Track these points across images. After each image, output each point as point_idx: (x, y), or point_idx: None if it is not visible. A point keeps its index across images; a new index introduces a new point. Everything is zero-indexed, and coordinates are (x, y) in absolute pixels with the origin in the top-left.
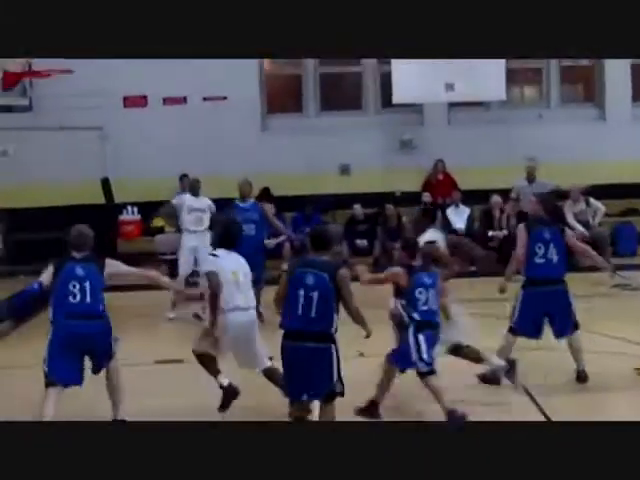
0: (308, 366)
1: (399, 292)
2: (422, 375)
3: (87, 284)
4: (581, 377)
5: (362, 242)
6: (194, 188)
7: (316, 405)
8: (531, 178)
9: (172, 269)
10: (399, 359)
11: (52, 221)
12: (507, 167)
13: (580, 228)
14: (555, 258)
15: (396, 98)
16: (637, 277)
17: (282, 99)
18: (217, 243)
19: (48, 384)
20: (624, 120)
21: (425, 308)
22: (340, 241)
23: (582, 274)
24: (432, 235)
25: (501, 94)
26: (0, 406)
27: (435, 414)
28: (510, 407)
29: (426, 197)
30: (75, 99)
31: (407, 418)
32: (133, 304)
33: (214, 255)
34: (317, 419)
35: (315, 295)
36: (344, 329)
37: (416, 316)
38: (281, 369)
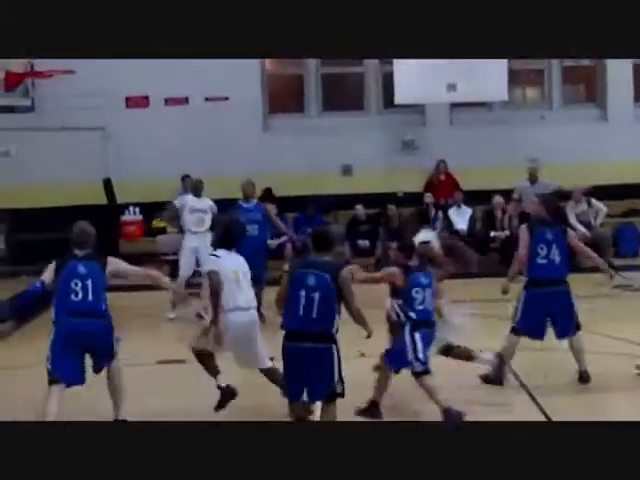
0: (309, 366)
1: (395, 292)
2: (417, 375)
3: (89, 282)
4: (583, 378)
5: (364, 243)
6: (196, 189)
7: (317, 405)
8: (533, 179)
9: (174, 269)
10: (393, 359)
11: (54, 221)
12: (509, 168)
13: (582, 229)
14: (557, 259)
15: (398, 98)
16: (639, 278)
17: (284, 99)
18: (218, 243)
19: (51, 382)
20: (626, 121)
21: (421, 307)
22: (342, 242)
23: (584, 275)
24: (426, 235)
25: (503, 95)
26: (3, 406)
27: (434, 414)
28: (511, 407)
29: (428, 198)
30: (77, 99)
31: (405, 418)
32: (135, 304)
33: (215, 255)
34: (318, 419)
35: (316, 296)
36: (345, 329)
37: (412, 315)
38: (282, 369)
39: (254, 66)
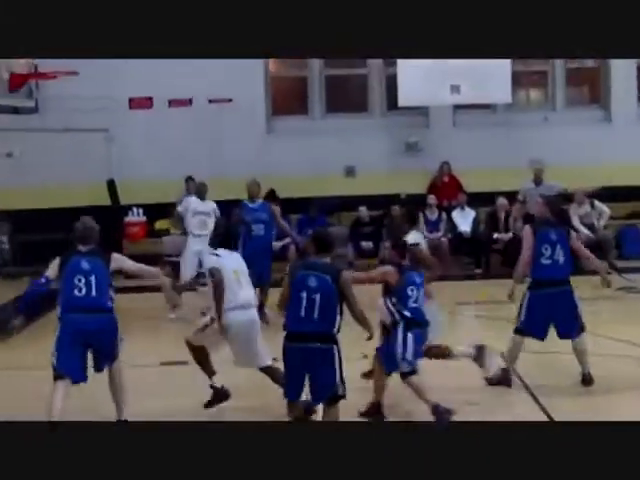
0: (310, 367)
1: (388, 291)
2: (403, 375)
3: (92, 278)
4: (586, 380)
5: (367, 244)
6: (200, 192)
7: (319, 407)
8: (538, 180)
9: (176, 271)
10: (386, 360)
11: (58, 223)
12: (512, 169)
13: (585, 231)
14: (561, 259)
15: (402, 100)
16: None
17: (287, 101)
18: (217, 243)
19: (56, 377)
20: (630, 122)
21: (415, 305)
22: (345, 243)
23: (587, 277)
24: (414, 237)
25: (507, 97)
26: (9, 406)
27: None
28: (514, 409)
29: (431, 199)
30: (81, 101)
31: (404, 418)
32: (138, 306)
33: (215, 255)
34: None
35: (317, 297)
36: (346, 330)
37: (407, 314)
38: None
39: (258, 68)
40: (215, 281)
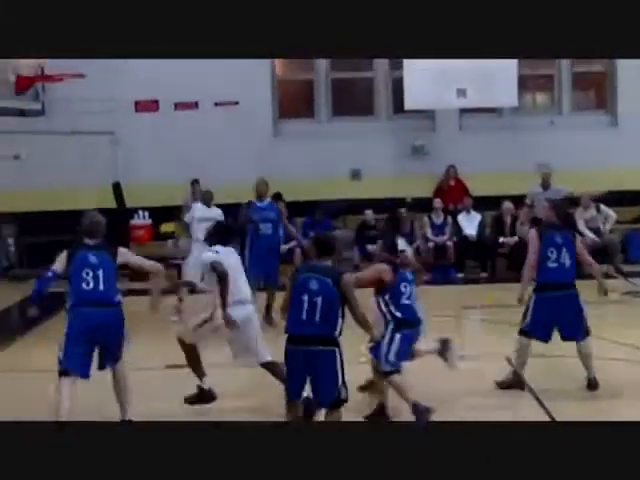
0: (312, 370)
1: (380, 289)
2: (384, 374)
3: (100, 272)
4: (591, 384)
5: (373, 247)
6: (206, 199)
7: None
8: (546, 184)
9: (180, 274)
10: (374, 351)
11: (64, 225)
12: (519, 173)
13: (591, 235)
14: (567, 263)
15: (408, 104)
16: None
17: (294, 104)
18: (214, 240)
19: (62, 373)
20: (636, 126)
21: (407, 302)
22: (351, 247)
23: (593, 281)
24: (400, 244)
25: (513, 100)
26: (15, 407)
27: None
28: (518, 412)
29: (437, 203)
30: (87, 103)
31: (405, 418)
32: (144, 309)
33: (214, 252)
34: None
35: (319, 300)
36: (347, 332)
37: (397, 314)
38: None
39: (264, 71)
40: (220, 274)
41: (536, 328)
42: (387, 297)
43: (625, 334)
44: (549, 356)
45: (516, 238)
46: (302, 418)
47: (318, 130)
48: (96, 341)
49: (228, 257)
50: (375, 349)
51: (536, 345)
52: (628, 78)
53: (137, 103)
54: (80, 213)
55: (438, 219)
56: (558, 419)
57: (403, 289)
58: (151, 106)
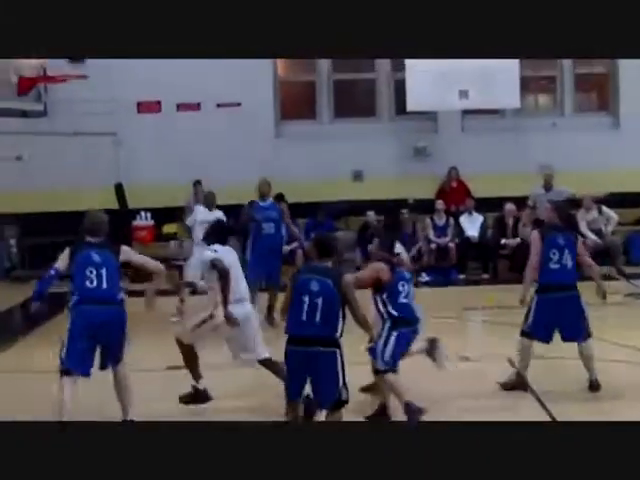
0: (312, 371)
1: (378, 288)
2: (379, 372)
3: (103, 270)
4: (593, 386)
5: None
6: (208, 201)
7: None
8: (548, 186)
9: (181, 275)
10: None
11: (66, 226)
12: (521, 175)
13: (592, 236)
14: (569, 264)
15: (410, 105)
16: None
17: (296, 106)
18: (212, 239)
19: (63, 372)
20: (638, 128)
21: (405, 301)
22: (353, 248)
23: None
24: (396, 247)
25: (515, 102)
26: (17, 408)
27: (435, 414)
28: (521, 414)
29: (439, 204)
30: (89, 104)
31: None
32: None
33: (213, 250)
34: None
35: (319, 301)
36: (346, 334)
37: (394, 313)
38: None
39: (266, 72)
40: (221, 271)
41: (537, 329)
42: (385, 296)
43: (627, 336)
44: (549, 357)
45: (518, 240)
46: (302, 418)
47: (320, 131)
48: (98, 339)
49: (227, 256)
50: (373, 349)
51: (536, 346)
52: (630, 80)
53: (139, 104)
54: (82, 214)
55: (440, 220)
56: (557, 418)
57: (401, 288)
58: (153, 107)
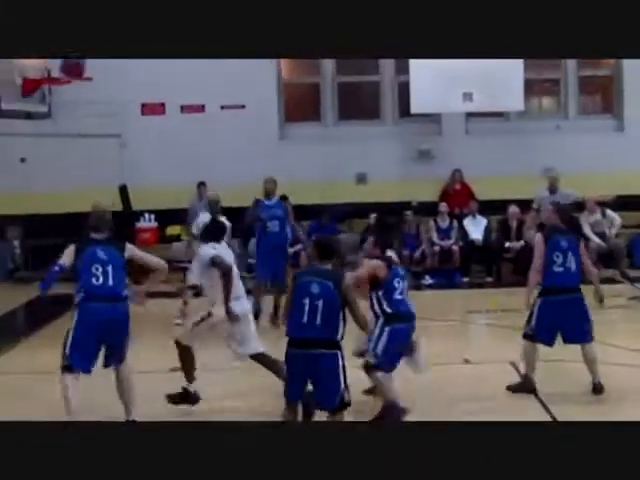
0: (314, 374)
1: (374, 285)
2: (368, 366)
3: (109, 267)
4: (597, 389)
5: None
6: (212, 208)
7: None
8: (553, 189)
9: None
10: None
11: (70, 227)
12: (525, 178)
13: (596, 239)
14: (573, 266)
15: (414, 108)
16: None
17: (300, 108)
18: (207, 238)
19: (65, 368)
20: None
21: (400, 297)
22: (356, 250)
23: (599, 285)
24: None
25: (519, 104)
26: (18, 408)
27: (438, 417)
28: (524, 416)
29: (443, 207)
30: (93, 106)
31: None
32: (149, 311)
33: (212, 248)
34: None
35: (320, 304)
36: (347, 335)
37: (388, 310)
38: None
39: (270, 74)
40: (223, 268)
41: (540, 332)
42: (380, 293)
43: (631, 339)
44: (552, 360)
45: (522, 242)
46: (301, 419)
47: (324, 134)
48: (103, 337)
49: (224, 253)
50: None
51: (540, 349)
52: (634, 82)
53: (144, 106)
54: (86, 216)
55: (444, 223)
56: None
57: (396, 284)
58: (158, 109)
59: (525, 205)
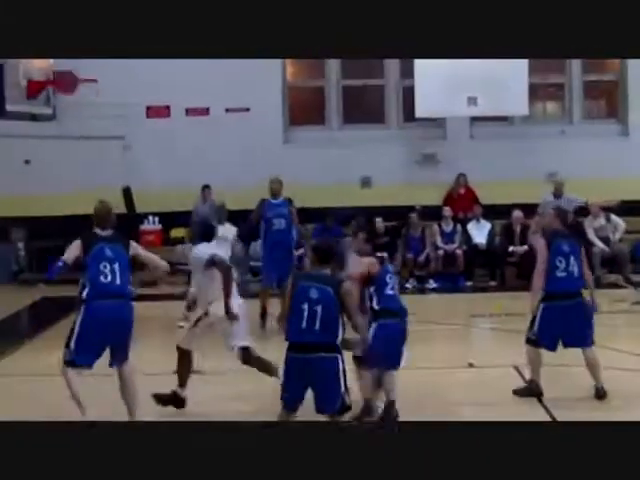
0: (314, 378)
1: (367, 281)
2: (357, 359)
3: (116, 265)
4: (599, 394)
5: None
6: (219, 215)
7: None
8: (558, 193)
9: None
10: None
11: (73, 229)
12: (529, 182)
13: (600, 244)
14: (575, 271)
15: (419, 112)
16: None
17: (304, 111)
18: (199, 240)
19: (68, 362)
20: None
21: (392, 293)
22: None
23: (603, 290)
24: None
25: (523, 109)
26: (21, 409)
27: (434, 413)
28: (527, 419)
29: (447, 211)
30: (98, 108)
31: (405, 417)
32: (154, 314)
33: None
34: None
35: (319, 309)
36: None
37: (376, 306)
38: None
39: (275, 77)
40: (224, 268)
41: (543, 337)
42: (372, 289)
43: (634, 344)
44: (555, 365)
45: (526, 247)
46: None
47: (329, 137)
48: (109, 335)
49: (220, 252)
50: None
51: (542, 353)
52: (639, 87)
53: (148, 109)
54: (90, 217)
55: (448, 227)
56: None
57: (388, 280)
58: (162, 112)
59: (529, 210)
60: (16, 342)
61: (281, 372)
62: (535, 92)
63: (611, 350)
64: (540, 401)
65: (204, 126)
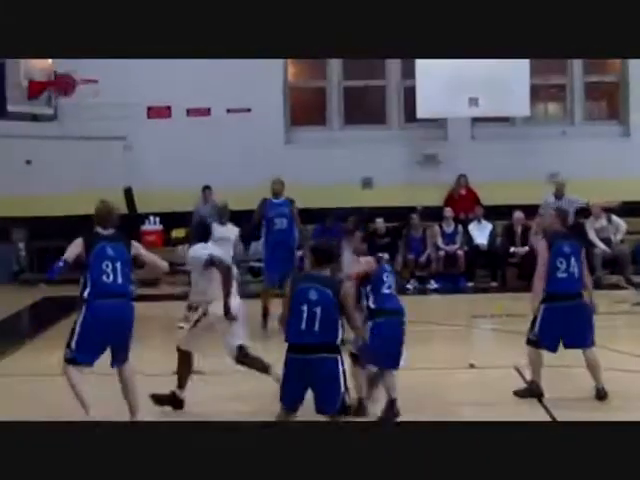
0: (314, 379)
1: (363, 281)
2: (354, 357)
3: (118, 264)
4: (600, 394)
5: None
6: (221, 216)
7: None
8: (559, 194)
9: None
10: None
11: (74, 230)
12: (530, 183)
13: (602, 245)
14: (576, 272)
15: (420, 112)
16: None
17: (306, 112)
18: (195, 240)
19: (69, 360)
20: None
21: (388, 292)
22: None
23: (604, 291)
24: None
25: (525, 110)
26: (22, 409)
27: (435, 414)
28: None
29: (448, 212)
30: (99, 109)
31: (405, 417)
32: (154, 314)
33: (207, 248)
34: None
35: (318, 310)
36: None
37: (372, 305)
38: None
39: (276, 78)
40: (223, 268)
41: (544, 338)
42: (368, 288)
43: (635, 345)
44: (555, 366)
45: (527, 248)
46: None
47: (330, 138)
48: (110, 334)
49: (217, 252)
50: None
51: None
52: None
53: (150, 109)
54: (91, 218)
55: (449, 228)
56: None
57: (385, 278)
58: (163, 112)
59: (530, 210)
60: (17, 342)
61: (278, 371)
62: (536, 93)
63: (612, 351)
64: (540, 401)
65: (205, 126)
